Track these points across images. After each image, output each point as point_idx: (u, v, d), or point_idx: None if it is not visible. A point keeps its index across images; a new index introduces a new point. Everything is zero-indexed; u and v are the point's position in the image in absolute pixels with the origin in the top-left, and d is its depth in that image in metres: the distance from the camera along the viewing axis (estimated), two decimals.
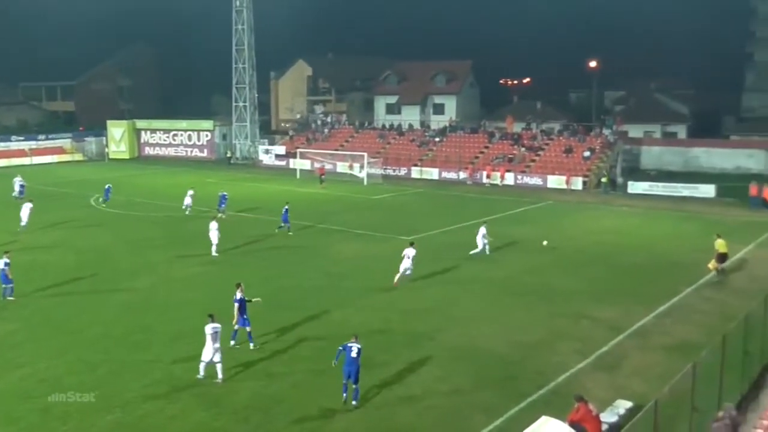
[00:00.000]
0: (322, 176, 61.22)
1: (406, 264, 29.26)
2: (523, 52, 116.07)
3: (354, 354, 18.30)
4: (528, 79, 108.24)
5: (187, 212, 45.48)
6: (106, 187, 50.27)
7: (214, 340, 19.36)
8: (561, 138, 67.03)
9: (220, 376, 19.55)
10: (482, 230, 34.44)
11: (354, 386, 18.29)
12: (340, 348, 18.62)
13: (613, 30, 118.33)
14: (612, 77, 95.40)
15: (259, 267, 32.28)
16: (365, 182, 62.18)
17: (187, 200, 45.97)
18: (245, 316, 22.08)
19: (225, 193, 45.25)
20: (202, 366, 19.58)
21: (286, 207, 39.57)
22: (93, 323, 24.15)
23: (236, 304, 22.06)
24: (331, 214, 45.33)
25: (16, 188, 51.75)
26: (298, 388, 19.24)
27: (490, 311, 25.82)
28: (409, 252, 29.43)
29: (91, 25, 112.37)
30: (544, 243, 35.76)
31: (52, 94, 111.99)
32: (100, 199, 50.37)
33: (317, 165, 66.58)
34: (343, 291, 28.32)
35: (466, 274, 31.18)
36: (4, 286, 26.95)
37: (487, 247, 34.19)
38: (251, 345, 22.06)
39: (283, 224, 39.29)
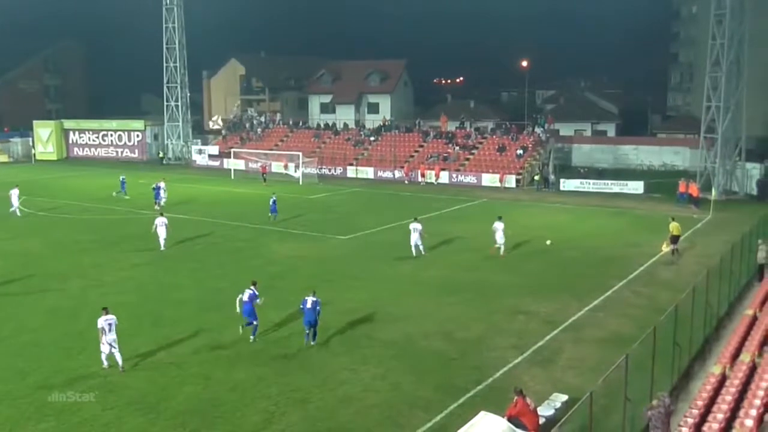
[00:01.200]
0: (264, 174, 60.78)
1: (415, 238, 33.04)
2: (456, 52, 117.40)
3: (309, 306, 21.95)
4: (461, 79, 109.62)
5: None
6: (122, 179, 53.75)
7: (110, 332, 20.07)
8: (494, 137, 67.91)
9: (120, 363, 20.17)
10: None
11: (313, 330, 22.19)
12: (301, 305, 22.33)
13: (544, 30, 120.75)
14: (543, 77, 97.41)
15: (192, 268, 31.80)
16: (300, 182, 61.86)
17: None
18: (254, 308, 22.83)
19: (161, 184, 47.54)
20: (103, 356, 20.20)
21: (274, 198, 43.38)
22: (22, 330, 23.38)
23: (246, 300, 22.70)
24: (265, 214, 44.89)
25: None
26: (235, 391, 18.96)
27: (427, 308, 25.95)
28: (416, 225, 33.40)
29: (15, 22, 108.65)
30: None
31: None
32: (116, 192, 52.83)
33: (259, 164, 65.85)
34: (281, 291, 28.06)
35: (403, 272, 31.30)
36: None
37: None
38: (251, 339, 22.56)
39: (271, 214, 42.66)
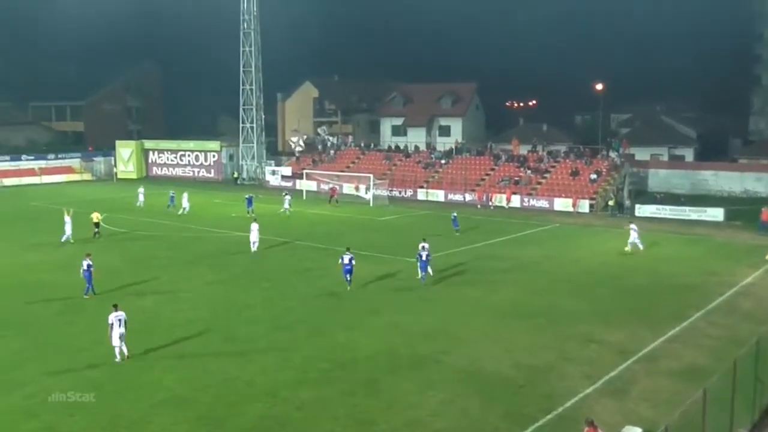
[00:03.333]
0: (334, 197, 61.20)
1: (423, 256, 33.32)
2: (529, 75, 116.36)
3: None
4: (534, 102, 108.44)
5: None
6: (171, 194, 57.71)
7: (120, 327, 22.11)
8: (567, 160, 67.00)
9: (125, 353, 22.29)
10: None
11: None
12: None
13: (620, 52, 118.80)
14: (618, 100, 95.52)
15: (264, 287, 32.22)
16: (371, 203, 62.16)
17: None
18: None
19: (252, 195, 54.32)
20: (116, 351, 22.14)
21: (454, 214, 47.93)
22: (98, 343, 24.03)
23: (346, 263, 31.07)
24: (337, 235, 45.28)
25: None
26: (302, 410, 19.05)
27: (496, 333, 25.62)
28: (425, 245, 33.88)
29: (101, 46, 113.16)
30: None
31: (62, 114, 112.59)
32: (168, 207, 56.62)
33: (329, 185, 66.32)
34: (349, 312, 28.17)
35: (472, 295, 31.02)
36: (88, 285, 29.79)
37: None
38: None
39: (454, 228, 46.73)
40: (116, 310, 22.50)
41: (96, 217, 45.15)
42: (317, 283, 33.18)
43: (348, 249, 32.01)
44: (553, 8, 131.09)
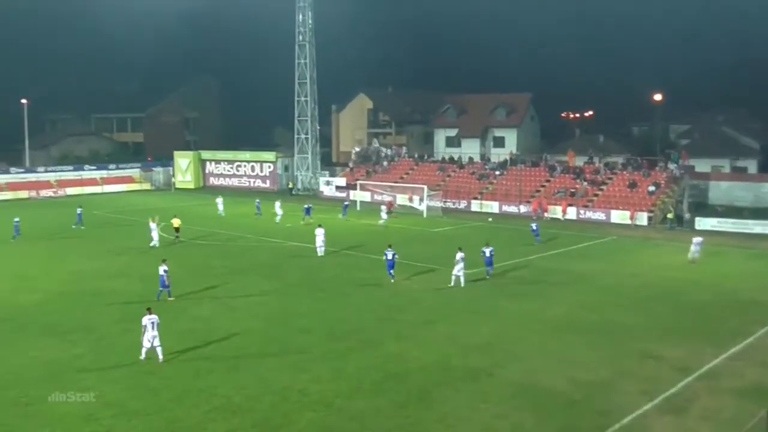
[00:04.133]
0: (390, 210, 60.94)
1: (458, 268, 34.01)
2: (586, 86, 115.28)
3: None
4: (590, 113, 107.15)
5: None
6: (257, 202, 61.23)
7: (152, 329, 22.85)
8: (624, 172, 65.94)
9: (160, 357, 23.06)
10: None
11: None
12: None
13: (678, 63, 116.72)
14: (677, 110, 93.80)
15: (318, 297, 32.42)
16: (425, 215, 62.09)
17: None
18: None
19: (310, 205, 57.21)
20: (143, 351, 23.01)
21: (534, 225, 48.60)
22: (156, 350, 24.46)
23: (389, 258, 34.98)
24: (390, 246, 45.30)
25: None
26: (355, 420, 19.09)
27: (550, 348, 25.30)
28: (461, 255, 34.30)
29: (160, 60, 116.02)
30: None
31: (123, 125, 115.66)
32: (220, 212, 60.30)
33: (386, 198, 66.12)
34: (401, 323, 28.16)
35: (526, 309, 30.69)
36: (160, 289, 31.15)
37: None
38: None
39: (535, 238, 47.34)
40: (150, 313, 23.29)
41: (176, 222, 47.58)
42: (371, 293, 33.28)
43: (390, 246, 36.32)
44: (611, 17, 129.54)
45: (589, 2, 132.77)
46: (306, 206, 57.89)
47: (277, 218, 56.50)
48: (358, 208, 66.16)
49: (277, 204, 58.17)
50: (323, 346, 25.12)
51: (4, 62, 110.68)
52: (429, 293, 33.36)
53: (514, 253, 43.55)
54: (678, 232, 53.38)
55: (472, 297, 32.64)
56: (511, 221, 59.71)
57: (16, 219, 49.35)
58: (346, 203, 61.85)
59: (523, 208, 63.74)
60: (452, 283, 34.37)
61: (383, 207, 57.93)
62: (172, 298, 31.27)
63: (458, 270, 34.24)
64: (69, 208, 67.44)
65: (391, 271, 35.20)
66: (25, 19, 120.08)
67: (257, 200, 62.51)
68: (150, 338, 22.94)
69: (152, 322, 23.04)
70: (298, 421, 18.99)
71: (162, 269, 31.16)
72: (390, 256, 35.04)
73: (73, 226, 53.20)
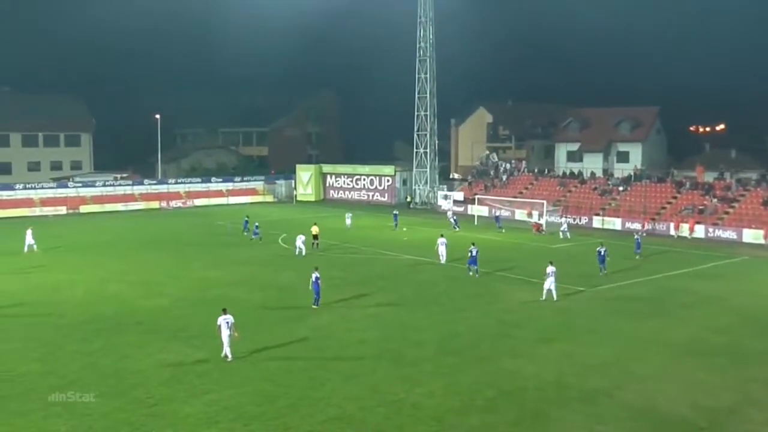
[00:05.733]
0: (540, 230, 60.19)
1: (549, 282, 34.21)
2: (717, 97, 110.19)
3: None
4: (721, 126, 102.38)
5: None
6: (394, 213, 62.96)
7: (227, 328, 24.55)
8: (759, 189, 62.58)
9: (229, 355, 24.68)
10: (553, 270, 34.64)
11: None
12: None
13: None
14: None
15: (433, 311, 32.45)
16: (544, 230, 61.02)
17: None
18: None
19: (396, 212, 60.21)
20: (227, 349, 24.69)
21: (638, 238, 48.87)
22: (274, 357, 25.22)
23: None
24: (508, 261, 44.85)
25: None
26: None
27: (672, 371, 24.28)
28: (551, 269, 34.48)
29: (284, 75, 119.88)
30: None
31: (248, 139, 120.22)
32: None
33: (534, 220, 63.79)
34: (517, 340, 27.79)
35: (648, 329, 29.61)
36: (316, 296, 32.35)
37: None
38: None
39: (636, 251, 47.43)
40: (225, 314, 24.88)
41: (315, 230, 50.01)
42: (487, 308, 33.02)
43: (473, 243, 40.85)
44: (743, 23, 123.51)
45: (716, 11, 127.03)
46: (394, 213, 62.34)
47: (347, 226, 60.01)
48: (476, 222, 65.82)
49: (348, 215, 62.60)
50: (437, 360, 25.12)
51: (139, 79, 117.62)
52: (546, 310, 32.75)
53: (639, 272, 42.19)
54: None
55: (591, 316, 31.81)
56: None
57: (247, 218, 57.44)
58: (454, 218, 63.22)
59: (648, 226, 61.45)
60: (544, 297, 34.28)
61: (564, 222, 59.54)
62: (316, 306, 32.31)
63: (549, 283, 34.33)
64: (196, 217, 70.75)
65: (475, 266, 39.92)
66: (156, 38, 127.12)
67: (395, 212, 64.43)
68: (227, 336, 24.65)
69: (227, 322, 24.68)
70: None
71: (314, 276, 32.38)
72: (474, 252, 39.73)
73: (245, 234, 56.47)
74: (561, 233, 56.93)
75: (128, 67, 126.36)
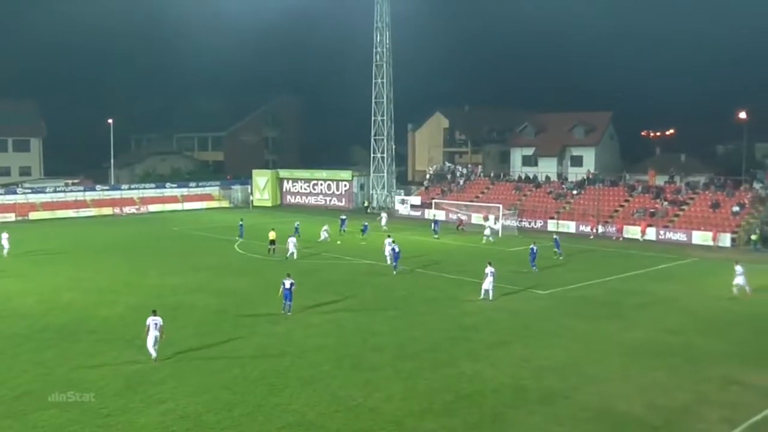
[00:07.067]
0: (461, 226, 61.45)
1: (488, 282, 34.89)
2: (667, 103, 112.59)
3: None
4: (672, 131, 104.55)
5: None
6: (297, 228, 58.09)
7: (154, 330, 24.70)
8: (707, 192, 64.04)
9: (154, 355, 24.88)
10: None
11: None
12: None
13: (765, 78, 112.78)
14: (764, 128, 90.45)
15: (390, 316, 32.47)
16: (500, 234, 61.53)
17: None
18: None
19: (366, 224, 58.66)
20: (152, 349, 24.85)
21: (556, 237, 51.28)
22: (232, 365, 24.97)
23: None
24: (463, 265, 45.12)
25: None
26: None
27: (628, 371, 24.66)
28: (490, 269, 35.26)
29: (241, 80, 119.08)
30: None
31: (204, 144, 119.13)
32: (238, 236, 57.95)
33: (456, 215, 66.76)
34: (474, 343, 27.95)
35: (603, 331, 30.04)
36: (286, 302, 31.98)
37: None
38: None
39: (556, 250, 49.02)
40: (154, 315, 25.07)
41: (272, 235, 50.01)
42: (444, 312, 33.16)
43: (389, 235, 45.18)
44: (692, 32, 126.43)
45: (670, 20, 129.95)
46: (341, 217, 62.37)
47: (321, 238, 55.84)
48: (433, 226, 66.06)
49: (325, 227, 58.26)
50: (395, 364, 25.13)
51: (92, 84, 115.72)
52: (503, 313, 33.03)
53: (592, 274, 42.80)
54: (763, 254, 51.46)
55: (547, 318, 32.17)
56: (587, 241, 58.75)
57: (241, 222, 59.11)
58: (436, 220, 62.93)
59: (600, 228, 62.44)
60: (482, 296, 34.95)
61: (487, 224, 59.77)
62: (290, 314, 32.06)
63: (488, 283, 34.97)
64: (151, 224, 69.84)
65: (395, 263, 42.04)
66: (112, 41, 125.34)
67: (342, 216, 63.91)
68: (153, 338, 24.73)
69: (155, 323, 24.80)
70: None
71: (288, 282, 31.96)
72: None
73: (240, 239, 56.80)
74: (485, 238, 56.40)
75: (81, 70, 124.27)
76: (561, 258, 48.57)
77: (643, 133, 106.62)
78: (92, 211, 79.53)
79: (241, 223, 59.70)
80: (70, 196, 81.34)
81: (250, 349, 26.91)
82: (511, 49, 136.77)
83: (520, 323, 31.22)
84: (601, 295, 37.25)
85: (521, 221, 67.00)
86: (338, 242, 55.54)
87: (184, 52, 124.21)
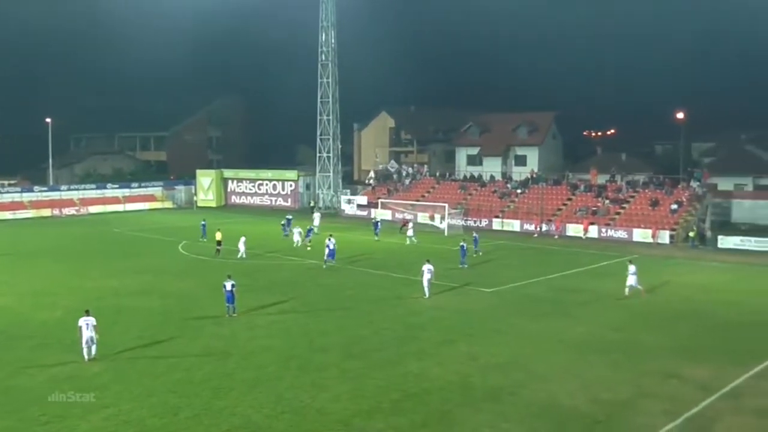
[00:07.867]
0: (405, 226, 61.61)
1: (427, 278, 35.39)
2: (608, 104, 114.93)
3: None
4: (612, 131, 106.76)
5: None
6: (202, 223, 58.70)
7: (87, 330, 24.70)
8: (647, 191, 65.56)
9: (92, 353, 24.96)
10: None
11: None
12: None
13: (702, 80, 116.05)
14: (700, 129, 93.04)
15: (337, 316, 32.38)
16: (446, 233, 61.98)
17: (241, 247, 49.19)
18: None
19: (290, 217, 59.64)
20: (84, 351, 24.78)
21: (475, 236, 50.91)
22: (176, 368, 24.57)
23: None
24: (410, 264, 45.25)
25: None
26: None
27: (572, 367, 25.06)
28: (428, 267, 35.68)
29: (184, 79, 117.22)
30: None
31: (146, 144, 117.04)
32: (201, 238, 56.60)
33: (407, 216, 66.91)
34: (421, 342, 28.05)
35: (547, 328, 30.48)
36: (228, 304, 31.46)
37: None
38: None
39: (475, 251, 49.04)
40: (87, 315, 25.05)
41: (218, 236, 49.59)
42: (391, 311, 33.20)
43: (331, 236, 46.40)
44: (633, 35, 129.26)
45: (611, 21, 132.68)
46: (287, 217, 61.33)
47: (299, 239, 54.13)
48: (374, 228, 66.13)
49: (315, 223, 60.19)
50: (342, 364, 25.06)
51: (28, 81, 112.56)
52: (449, 311, 33.23)
53: (535, 272, 43.36)
54: (700, 251, 52.94)
55: (492, 316, 32.48)
56: (532, 239, 59.55)
57: (204, 222, 58.20)
58: (377, 221, 62.04)
59: (545, 227, 63.35)
60: (426, 295, 35.59)
61: (410, 225, 58.97)
62: (234, 315, 31.62)
63: (425, 281, 35.59)
64: (92, 225, 68.33)
65: (331, 260, 43.34)
66: (49, 38, 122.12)
67: (288, 216, 63.06)
68: (87, 339, 24.69)
69: (87, 324, 24.75)
70: None
71: (229, 284, 31.49)
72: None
73: (204, 239, 55.93)
74: (408, 239, 55.90)
75: (16, 68, 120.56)
76: (480, 254, 49.45)
77: (585, 133, 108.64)
78: (30, 213, 77.46)
79: (203, 222, 58.56)
80: (7, 198, 79.07)
81: (194, 352, 26.53)
82: (457, 50, 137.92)
83: (466, 321, 31.45)
84: (545, 292, 37.78)
85: (467, 220, 67.55)
86: (308, 248, 52.79)
87: (125, 51, 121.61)
